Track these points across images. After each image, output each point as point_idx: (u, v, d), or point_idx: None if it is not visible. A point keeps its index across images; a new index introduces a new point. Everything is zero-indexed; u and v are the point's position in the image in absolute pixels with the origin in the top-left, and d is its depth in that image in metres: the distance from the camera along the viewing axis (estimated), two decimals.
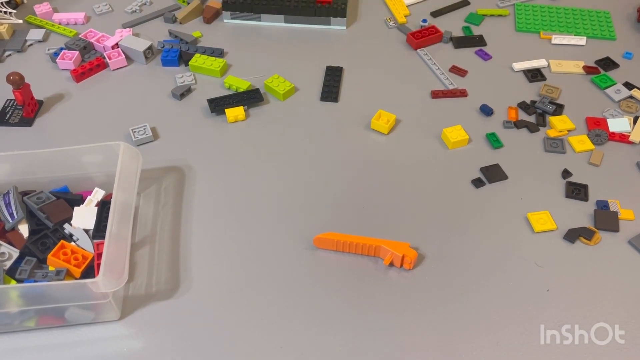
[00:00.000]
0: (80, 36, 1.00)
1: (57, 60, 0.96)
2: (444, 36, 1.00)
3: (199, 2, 1.06)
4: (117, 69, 0.97)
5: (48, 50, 1.00)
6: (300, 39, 1.01)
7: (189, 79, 0.94)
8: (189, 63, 0.95)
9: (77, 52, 0.96)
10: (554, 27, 1.02)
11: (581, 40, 0.99)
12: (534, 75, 0.94)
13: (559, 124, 0.86)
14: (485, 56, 0.98)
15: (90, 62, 0.96)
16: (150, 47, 0.97)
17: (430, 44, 1.00)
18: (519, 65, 0.95)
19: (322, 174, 0.81)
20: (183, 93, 0.91)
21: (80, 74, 0.95)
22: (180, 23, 1.05)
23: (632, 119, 0.87)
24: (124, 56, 0.97)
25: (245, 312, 0.67)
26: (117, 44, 0.98)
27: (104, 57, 0.97)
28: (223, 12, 1.02)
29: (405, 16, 1.06)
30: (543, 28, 1.02)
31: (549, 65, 0.96)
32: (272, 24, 1.02)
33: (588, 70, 0.95)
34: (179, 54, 0.97)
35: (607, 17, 1.04)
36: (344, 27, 1.03)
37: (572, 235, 0.73)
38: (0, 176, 0.74)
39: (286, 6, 1.00)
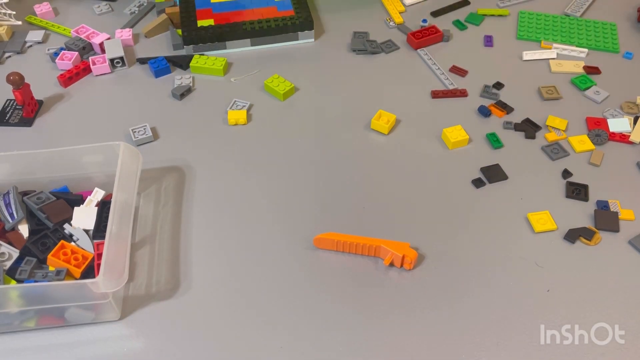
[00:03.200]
0: (72, 31, 1.00)
1: (56, 60, 0.96)
2: (444, 35, 1.00)
3: (166, 17, 1.03)
4: (100, 75, 0.96)
5: (48, 50, 1.00)
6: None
7: (188, 81, 0.94)
8: (190, 65, 0.95)
9: (77, 53, 0.96)
10: (556, 37, 1.00)
11: (582, 53, 0.97)
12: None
13: (553, 122, 0.86)
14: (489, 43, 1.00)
15: (77, 67, 0.95)
16: (121, 59, 0.96)
17: (431, 44, 1.00)
18: (529, 55, 0.94)
19: (322, 174, 0.81)
20: (183, 93, 0.91)
21: (67, 79, 0.94)
22: (146, 37, 1.02)
23: (632, 119, 0.87)
24: (107, 63, 0.95)
25: (245, 312, 0.67)
26: (102, 42, 0.98)
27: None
28: (184, 47, 0.97)
29: (400, 13, 1.06)
30: (545, 37, 1.00)
31: (549, 65, 0.96)
32: (239, 49, 0.99)
33: (588, 70, 0.95)
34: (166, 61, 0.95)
35: (612, 29, 1.02)
36: (312, 40, 1.01)
37: (573, 236, 0.72)
38: (0, 176, 0.74)
39: (251, 29, 0.97)
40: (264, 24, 0.98)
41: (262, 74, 0.95)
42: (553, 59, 0.96)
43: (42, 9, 1.07)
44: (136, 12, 1.08)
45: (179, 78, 0.94)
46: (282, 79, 0.92)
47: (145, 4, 1.09)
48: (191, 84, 0.93)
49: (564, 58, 0.97)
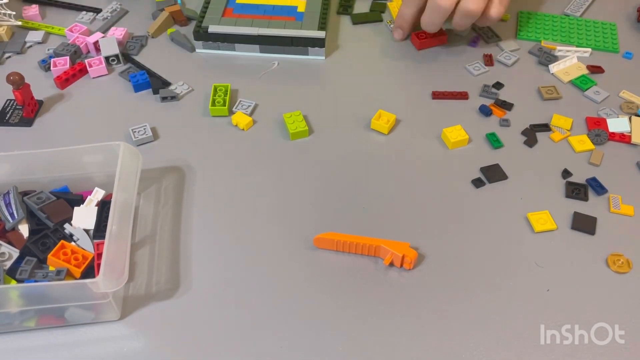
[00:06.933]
0: (66, 30, 1.00)
1: (51, 68, 0.94)
2: (448, 37, 1.00)
3: (168, 14, 1.02)
4: (97, 77, 0.95)
5: (48, 50, 1.00)
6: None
7: (182, 89, 0.92)
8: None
9: (67, 57, 0.95)
10: (556, 37, 1.00)
11: (586, 53, 0.97)
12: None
13: (558, 122, 0.86)
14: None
15: (73, 68, 0.94)
16: (116, 56, 0.95)
17: (435, 45, 1.00)
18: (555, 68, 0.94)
19: (322, 173, 0.81)
20: (166, 97, 0.90)
21: (64, 80, 0.93)
22: (152, 37, 1.01)
23: (629, 118, 0.87)
24: (104, 64, 0.95)
25: (245, 312, 0.67)
26: (97, 41, 0.97)
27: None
28: (195, 41, 0.97)
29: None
30: (545, 37, 1.00)
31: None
32: (247, 54, 0.97)
33: (593, 69, 0.94)
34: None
35: (612, 29, 1.02)
36: (323, 58, 0.97)
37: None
38: (0, 176, 0.74)
39: (261, 36, 0.94)
40: (275, 32, 0.94)
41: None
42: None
43: (29, 11, 1.06)
44: (109, 17, 1.06)
45: (181, 84, 0.93)
46: (300, 117, 0.87)
47: (118, 9, 1.07)
48: (181, 93, 0.92)
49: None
